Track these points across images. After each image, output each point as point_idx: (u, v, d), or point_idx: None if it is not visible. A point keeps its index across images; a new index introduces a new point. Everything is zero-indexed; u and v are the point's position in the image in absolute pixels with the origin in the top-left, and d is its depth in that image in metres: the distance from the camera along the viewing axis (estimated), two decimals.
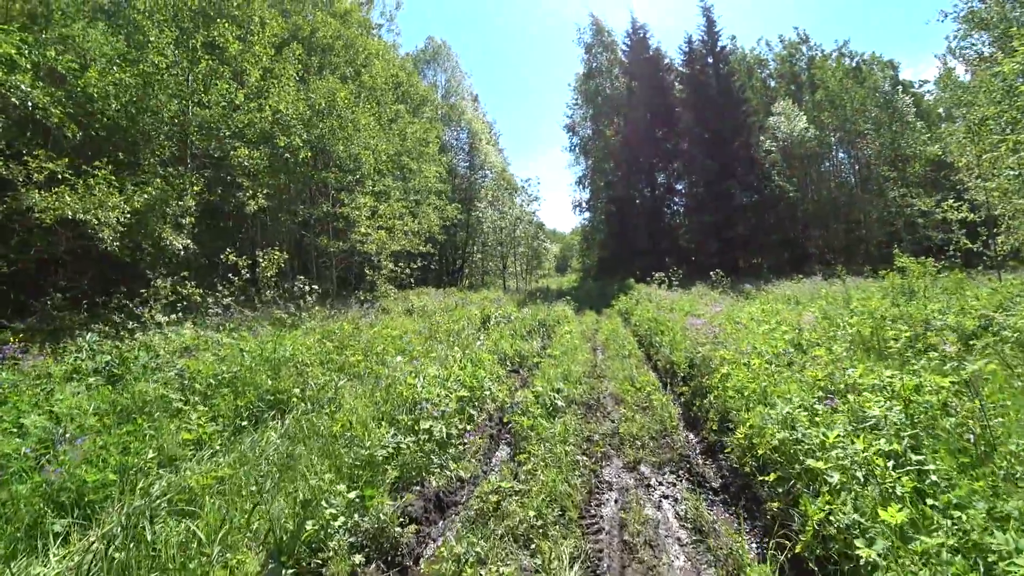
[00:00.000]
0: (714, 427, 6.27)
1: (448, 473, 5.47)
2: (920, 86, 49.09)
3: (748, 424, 5.10)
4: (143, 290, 11.32)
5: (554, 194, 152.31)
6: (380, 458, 5.00)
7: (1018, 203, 17.43)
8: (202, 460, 5.00)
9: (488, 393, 8.29)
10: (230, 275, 13.00)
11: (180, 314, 11.14)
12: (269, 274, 13.45)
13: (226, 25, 15.44)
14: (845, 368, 5.50)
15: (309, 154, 16.12)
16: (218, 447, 5.39)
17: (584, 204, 46.48)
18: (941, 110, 45.60)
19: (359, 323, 15.21)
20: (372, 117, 19.95)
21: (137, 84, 13.70)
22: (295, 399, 6.98)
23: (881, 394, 4.52)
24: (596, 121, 46.68)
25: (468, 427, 6.99)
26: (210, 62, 15.00)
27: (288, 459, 5.00)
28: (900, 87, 45.68)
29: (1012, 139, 13.08)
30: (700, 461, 5.91)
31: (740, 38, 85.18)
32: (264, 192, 15.82)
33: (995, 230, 25.18)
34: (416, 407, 6.50)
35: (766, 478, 4.36)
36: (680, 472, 5.65)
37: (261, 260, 14.03)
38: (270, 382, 7.36)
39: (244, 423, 6.23)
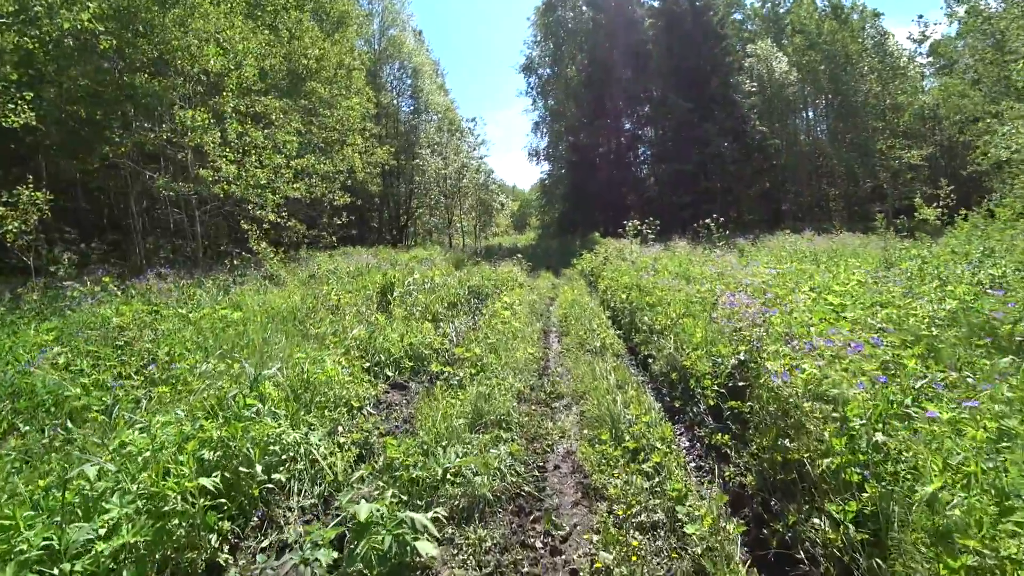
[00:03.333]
0: None
1: None
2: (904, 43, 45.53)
3: None
4: None
5: (513, 155, 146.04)
6: None
7: None
8: None
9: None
10: None
11: None
12: (12, 227, 8.27)
13: None
14: None
15: (111, 41, 10.68)
16: None
17: (542, 153, 41.38)
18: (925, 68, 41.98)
19: (192, 300, 10.22)
20: (240, 15, 14.37)
21: None
22: None
23: None
24: (557, 60, 41.21)
25: None
26: None
27: None
28: (887, 35, 41.70)
29: None
30: None
31: None
32: (36, 99, 10.37)
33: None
34: None
35: None
36: None
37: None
38: None
39: None
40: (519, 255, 21.46)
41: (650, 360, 6.68)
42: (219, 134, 12.55)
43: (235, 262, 13.85)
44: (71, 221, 16.18)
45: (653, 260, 12.62)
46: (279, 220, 14.42)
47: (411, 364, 6.64)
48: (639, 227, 14.26)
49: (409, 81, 41.25)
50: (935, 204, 17.76)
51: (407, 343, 6.93)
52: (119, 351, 6.44)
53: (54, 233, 12.93)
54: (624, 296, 9.51)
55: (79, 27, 10.22)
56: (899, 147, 37.00)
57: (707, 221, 15.54)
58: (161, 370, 5.72)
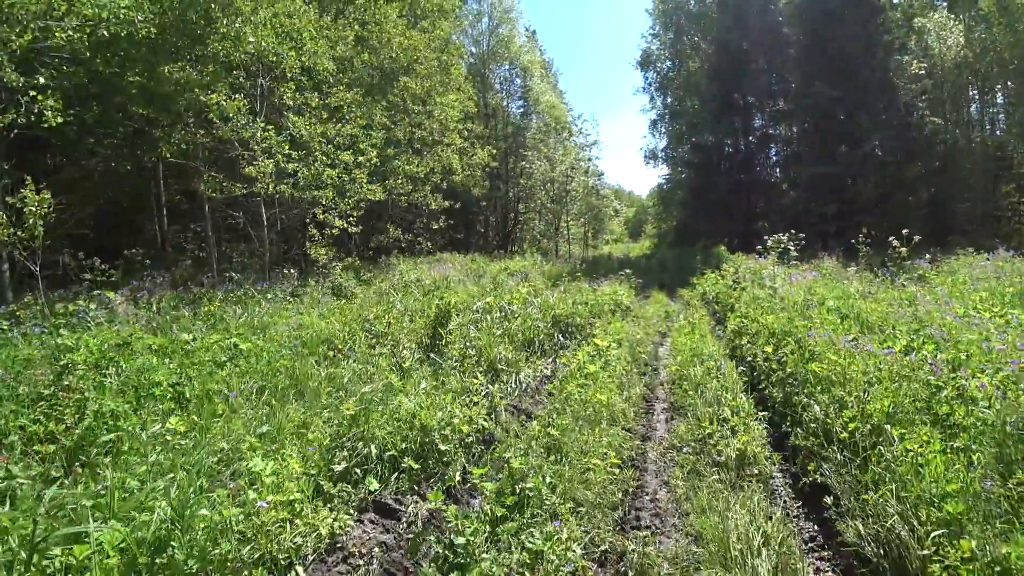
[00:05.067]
0: None
1: None
2: None
3: None
4: None
5: (629, 158, 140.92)
6: None
7: None
8: None
9: None
10: None
11: None
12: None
13: None
14: None
15: (152, 30, 9.34)
16: None
17: (660, 154, 37.61)
18: None
19: (204, 321, 8.57)
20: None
21: None
22: None
23: None
24: (677, 51, 37.34)
25: None
26: None
27: None
28: None
29: None
30: None
31: None
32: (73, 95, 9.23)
33: None
34: None
35: None
36: None
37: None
38: None
39: None
40: (628, 269, 18.48)
41: (836, 507, 3.69)
42: (267, 127, 10.94)
43: (296, 270, 12.26)
44: (126, 229, 15.70)
45: (807, 291, 9.22)
46: (347, 226, 12.68)
47: (417, 465, 4.18)
48: (783, 242, 10.82)
49: (519, 81, 39.32)
50: None
51: (420, 422, 4.47)
52: (43, 403, 4.63)
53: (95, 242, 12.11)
54: (771, 351, 6.41)
55: (119, 17, 8.95)
56: None
57: (862, 236, 11.75)
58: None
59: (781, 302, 8.70)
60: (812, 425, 4.58)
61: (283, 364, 6.32)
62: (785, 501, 4.04)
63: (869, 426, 3.96)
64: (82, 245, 11.10)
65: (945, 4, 34.01)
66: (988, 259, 15.26)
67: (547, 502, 3.59)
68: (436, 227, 25.53)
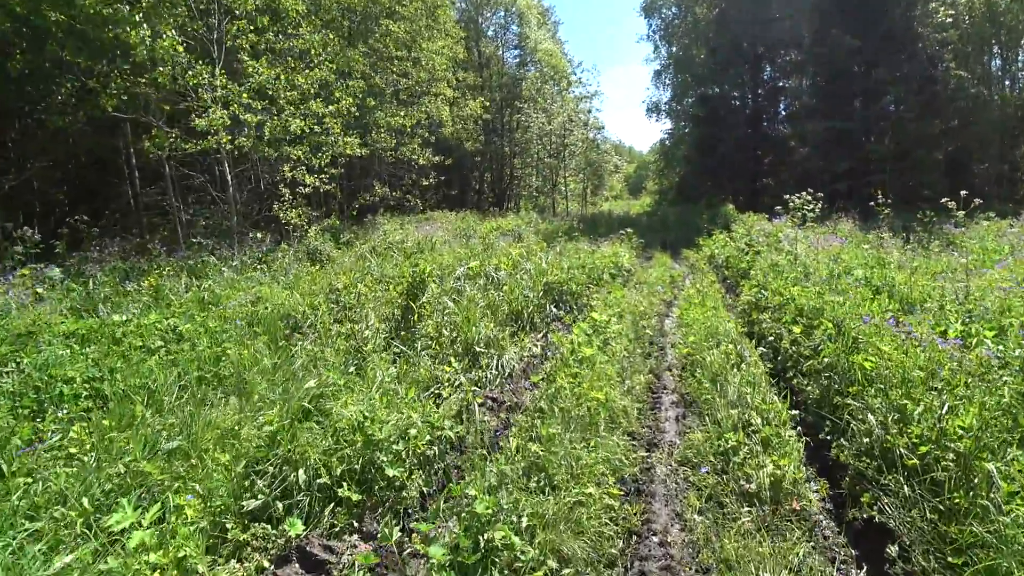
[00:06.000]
0: None
1: None
2: None
3: None
4: None
5: (631, 113, 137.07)
6: None
7: None
8: None
9: None
10: None
11: None
12: None
13: None
14: None
15: None
16: None
17: (663, 107, 35.86)
18: None
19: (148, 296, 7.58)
20: None
21: None
22: None
23: None
24: None
25: None
26: None
27: None
28: None
29: None
30: None
31: None
32: None
33: None
34: None
35: None
36: None
37: None
38: None
39: None
40: (629, 228, 17.34)
41: (905, 563, 2.75)
42: (220, 73, 9.61)
43: (270, 235, 11.15)
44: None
45: (833, 259, 8.15)
46: (319, 184, 11.49)
47: (358, 496, 3.23)
48: (804, 203, 9.64)
49: (514, 28, 37.10)
50: None
51: (363, 436, 3.50)
52: None
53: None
54: (799, 332, 5.42)
55: None
56: None
57: (880, 196, 10.64)
58: None
59: (804, 270, 7.65)
60: (864, 440, 3.62)
61: (225, 349, 5.35)
62: (833, 548, 3.10)
63: (952, 454, 2.98)
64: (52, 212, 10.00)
65: None
66: (1011, 226, 14.16)
67: (522, 558, 2.65)
68: (426, 184, 24.24)
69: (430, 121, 22.63)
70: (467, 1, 32.41)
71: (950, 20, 26.83)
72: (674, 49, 35.44)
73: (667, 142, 36.86)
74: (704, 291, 8.98)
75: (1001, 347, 4.27)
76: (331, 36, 13.00)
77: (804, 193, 10.16)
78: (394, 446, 3.54)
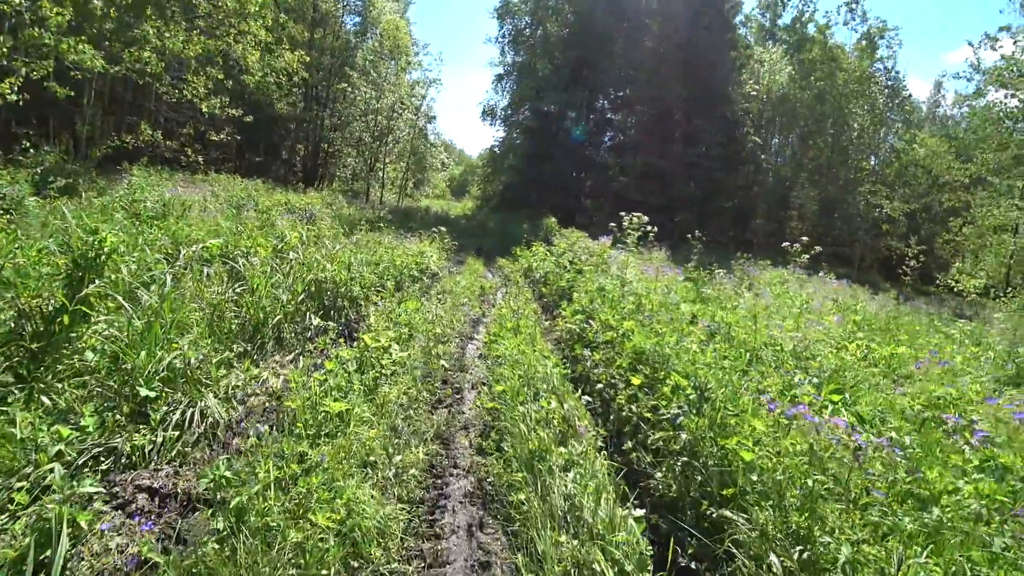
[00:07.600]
0: None
1: None
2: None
3: None
4: None
5: (466, 116, 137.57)
6: None
7: None
8: None
9: None
10: None
11: None
12: None
13: None
14: None
15: None
16: None
17: (499, 113, 35.01)
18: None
19: None
20: None
21: None
22: None
23: None
24: (540, 6, 34.61)
25: None
26: None
27: None
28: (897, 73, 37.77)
29: None
30: None
31: None
32: None
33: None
34: None
35: None
36: None
37: None
38: None
39: None
40: (444, 227, 15.57)
41: None
42: None
43: None
44: None
45: (665, 290, 7.14)
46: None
47: None
48: (639, 227, 8.74)
49: None
50: (906, 264, 13.78)
51: None
52: None
53: None
54: (637, 386, 3.99)
55: None
56: (882, 195, 33.78)
57: (697, 232, 10.46)
58: None
59: (637, 300, 6.45)
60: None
61: None
62: None
63: None
64: None
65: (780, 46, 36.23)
66: (802, 277, 15.25)
67: None
68: (216, 139, 20.04)
69: (233, 64, 18.69)
70: None
71: (754, 93, 30.06)
72: (520, 58, 34.92)
73: (497, 149, 36.07)
74: (520, 311, 7.44)
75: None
76: None
77: (636, 215, 9.27)
78: None
